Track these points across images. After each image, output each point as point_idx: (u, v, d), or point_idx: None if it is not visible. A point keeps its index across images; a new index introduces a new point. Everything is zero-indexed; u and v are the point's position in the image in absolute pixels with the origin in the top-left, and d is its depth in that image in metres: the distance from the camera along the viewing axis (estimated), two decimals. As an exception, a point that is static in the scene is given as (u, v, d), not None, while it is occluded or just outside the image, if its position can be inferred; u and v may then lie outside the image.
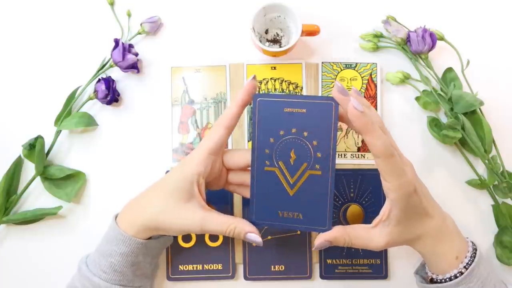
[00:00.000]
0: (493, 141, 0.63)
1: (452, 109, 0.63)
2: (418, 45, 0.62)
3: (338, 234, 0.51)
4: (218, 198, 0.63)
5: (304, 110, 0.51)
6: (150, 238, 0.55)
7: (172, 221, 0.52)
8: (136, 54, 0.65)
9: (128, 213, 0.55)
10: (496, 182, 0.63)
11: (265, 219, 0.53)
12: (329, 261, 0.63)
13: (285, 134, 0.51)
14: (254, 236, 0.51)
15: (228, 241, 0.63)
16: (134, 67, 0.64)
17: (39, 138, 0.62)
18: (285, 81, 0.66)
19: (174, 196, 0.52)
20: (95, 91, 0.64)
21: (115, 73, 0.66)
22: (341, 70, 0.66)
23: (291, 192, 0.52)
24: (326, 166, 0.51)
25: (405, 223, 0.50)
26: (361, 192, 0.64)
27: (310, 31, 0.62)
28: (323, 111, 0.51)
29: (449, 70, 0.65)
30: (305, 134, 0.51)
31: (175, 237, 0.62)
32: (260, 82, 0.66)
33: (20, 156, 0.64)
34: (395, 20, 0.65)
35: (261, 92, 0.65)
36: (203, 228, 0.52)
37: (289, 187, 0.52)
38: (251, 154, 0.52)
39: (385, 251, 0.63)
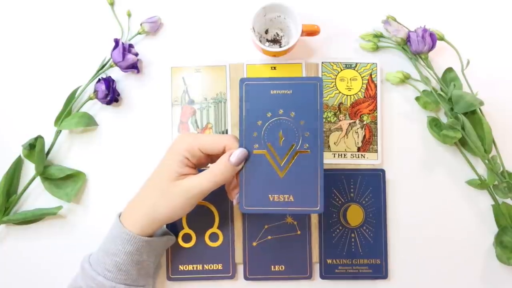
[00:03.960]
0: (493, 141, 0.63)
1: (452, 109, 0.63)
2: (418, 45, 0.62)
3: None
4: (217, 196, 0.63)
5: (290, 91, 0.52)
6: (153, 236, 0.56)
7: (169, 205, 0.53)
8: (136, 54, 0.65)
9: (131, 211, 0.55)
10: (496, 182, 0.63)
11: (255, 205, 0.52)
12: (329, 261, 0.63)
13: (272, 116, 0.52)
14: (238, 154, 0.51)
15: (228, 241, 0.63)
16: (134, 67, 0.64)
17: (39, 138, 0.62)
18: (285, 81, 0.66)
19: (166, 180, 0.53)
20: (95, 91, 0.64)
21: (115, 73, 0.66)
22: (341, 70, 0.66)
23: (281, 174, 0.52)
24: (315, 144, 0.52)
25: None
26: (361, 192, 0.64)
27: (310, 31, 0.62)
28: (308, 91, 0.52)
29: (449, 70, 0.65)
30: (292, 114, 0.52)
31: (176, 237, 0.62)
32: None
33: (20, 156, 0.64)
34: (395, 20, 0.65)
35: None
36: (204, 191, 0.52)
37: (278, 169, 0.52)
38: (239, 138, 0.52)
39: (385, 251, 0.63)
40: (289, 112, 0.52)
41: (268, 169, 0.52)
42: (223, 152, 0.53)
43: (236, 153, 0.51)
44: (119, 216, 0.56)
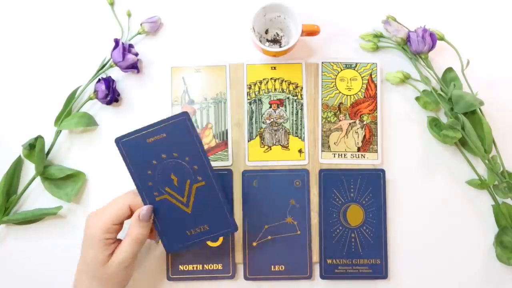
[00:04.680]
0: (493, 141, 0.63)
1: (452, 109, 0.63)
2: (418, 45, 0.62)
3: None
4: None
5: (164, 135, 0.54)
6: None
7: (116, 285, 0.55)
8: (136, 54, 0.65)
9: None
10: (496, 182, 0.63)
11: (179, 245, 0.56)
12: (329, 261, 0.63)
13: (158, 162, 0.54)
14: (145, 211, 0.54)
15: (228, 241, 0.63)
16: (134, 67, 0.64)
17: (39, 138, 0.62)
18: (285, 81, 0.66)
19: (100, 268, 0.53)
20: (95, 91, 0.64)
21: (115, 73, 0.66)
22: (341, 70, 0.66)
23: (188, 210, 0.55)
24: (206, 174, 0.55)
25: None
26: (361, 192, 0.64)
27: (310, 31, 0.62)
28: (180, 128, 0.54)
29: (449, 70, 0.65)
30: (175, 154, 0.54)
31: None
32: (260, 82, 0.66)
33: (20, 156, 0.64)
34: (395, 20, 0.65)
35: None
36: (134, 255, 0.54)
37: (184, 206, 0.55)
38: (139, 192, 0.55)
39: (385, 251, 0.63)
40: (172, 154, 0.54)
41: (175, 210, 0.55)
42: (132, 211, 0.55)
43: (143, 212, 0.54)
44: None
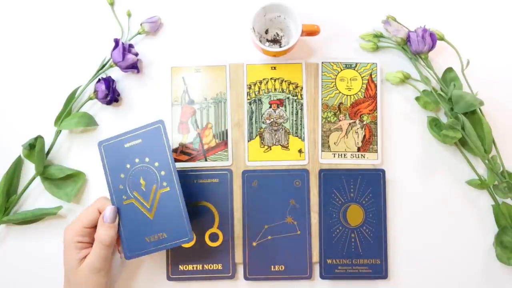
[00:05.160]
0: (493, 141, 0.63)
1: (452, 109, 0.63)
2: (418, 45, 0.62)
3: None
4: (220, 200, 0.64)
5: (140, 140, 0.57)
6: None
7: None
8: (136, 54, 0.65)
9: None
10: (496, 182, 0.63)
11: (137, 251, 0.57)
12: (329, 261, 0.63)
13: (131, 166, 0.57)
14: (107, 213, 0.55)
15: (228, 241, 0.63)
16: (134, 67, 0.64)
17: (39, 138, 0.62)
18: (285, 81, 0.66)
19: (74, 272, 0.55)
20: (95, 91, 0.64)
21: (115, 73, 0.66)
22: (341, 70, 0.66)
23: (151, 215, 0.56)
24: (171, 180, 0.57)
25: None
26: (361, 192, 0.64)
27: (310, 31, 0.62)
28: (154, 135, 0.57)
29: (449, 70, 0.65)
30: (147, 159, 0.56)
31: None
32: (260, 82, 0.66)
33: (20, 156, 0.64)
34: (395, 20, 0.65)
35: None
36: (104, 259, 0.55)
37: (148, 211, 0.56)
38: (110, 195, 0.56)
39: (385, 251, 0.63)
40: (144, 159, 0.57)
41: (139, 214, 0.56)
42: (95, 224, 0.56)
43: (106, 213, 0.55)
44: None
